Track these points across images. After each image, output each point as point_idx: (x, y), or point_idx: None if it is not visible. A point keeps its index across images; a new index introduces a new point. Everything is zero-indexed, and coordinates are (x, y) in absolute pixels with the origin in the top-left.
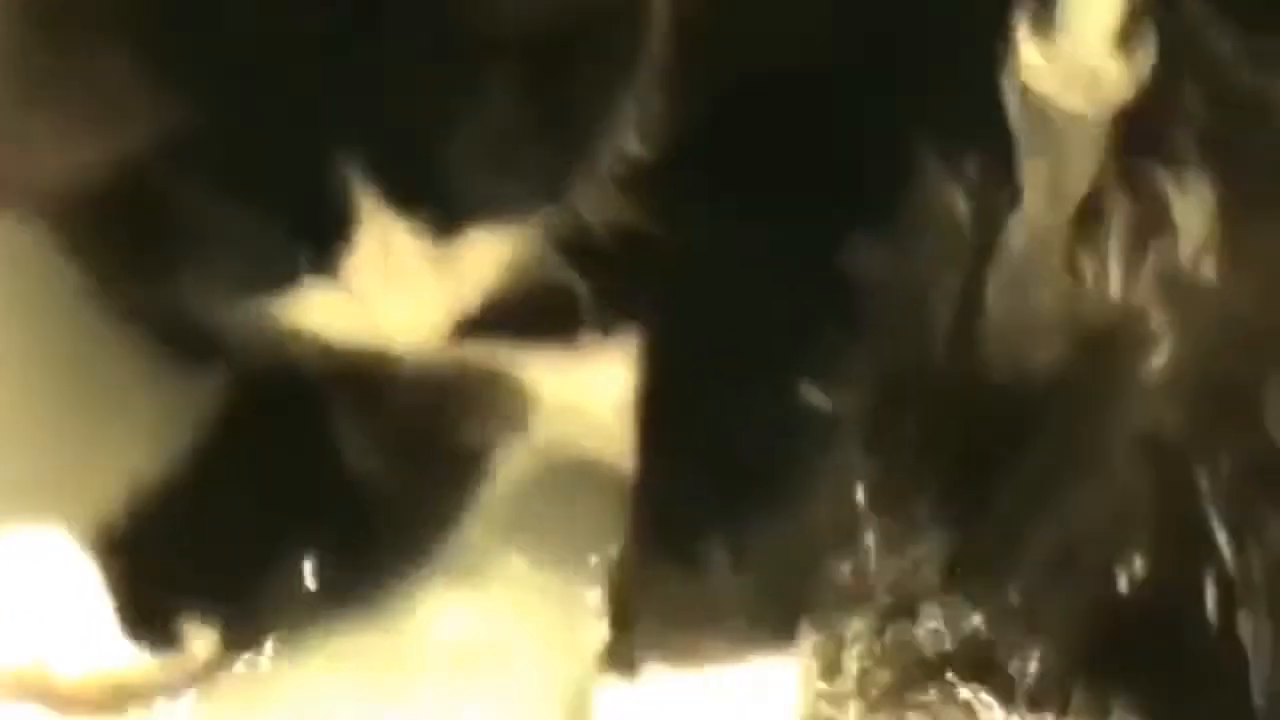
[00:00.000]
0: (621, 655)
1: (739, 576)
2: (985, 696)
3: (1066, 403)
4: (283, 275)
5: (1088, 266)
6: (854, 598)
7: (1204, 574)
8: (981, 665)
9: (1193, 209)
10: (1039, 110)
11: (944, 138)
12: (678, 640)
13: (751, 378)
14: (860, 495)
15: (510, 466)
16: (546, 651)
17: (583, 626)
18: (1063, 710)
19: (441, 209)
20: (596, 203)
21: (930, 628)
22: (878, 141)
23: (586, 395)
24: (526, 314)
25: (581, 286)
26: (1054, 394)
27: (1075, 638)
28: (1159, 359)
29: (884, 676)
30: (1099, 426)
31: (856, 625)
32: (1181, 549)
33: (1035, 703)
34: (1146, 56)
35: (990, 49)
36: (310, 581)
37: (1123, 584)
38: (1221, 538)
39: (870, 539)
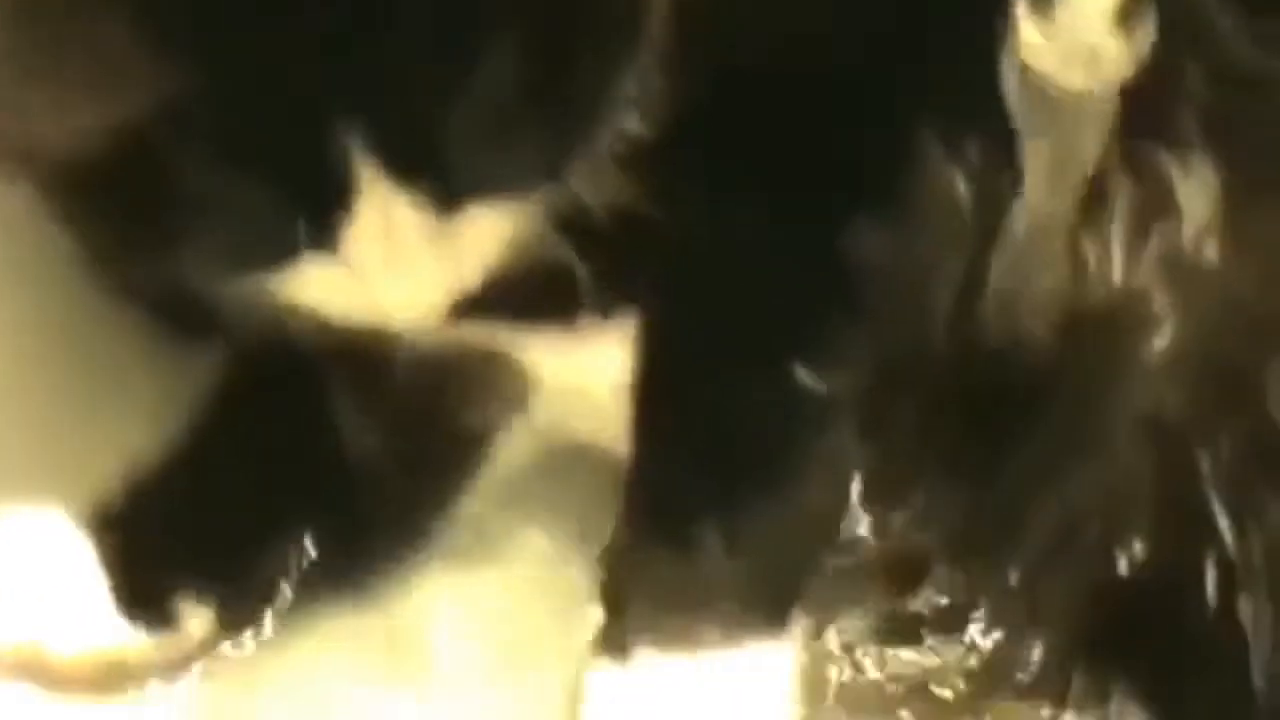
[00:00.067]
0: (613, 639)
1: (732, 561)
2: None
3: (1067, 385)
4: (281, 247)
5: (1090, 249)
6: (850, 582)
7: (1204, 557)
8: (980, 648)
9: (1196, 192)
10: (1039, 90)
11: (945, 120)
12: (670, 625)
13: (748, 361)
14: (858, 480)
15: (510, 448)
16: (544, 635)
17: (580, 609)
18: (1062, 697)
19: (441, 182)
20: (596, 182)
21: (929, 609)
22: (878, 124)
23: (586, 377)
24: (526, 294)
25: (581, 267)
26: (1055, 376)
27: (1075, 621)
28: (1161, 341)
29: (875, 664)
30: (1100, 409)
31: (850, 609)
32: (1182, 532)
33: (1034, 689)
34: (1146, 34)
35: (991, 29)
36: (307, 561)
37: (1123, 567)
38: (1222, 521)
39: (867, 523)
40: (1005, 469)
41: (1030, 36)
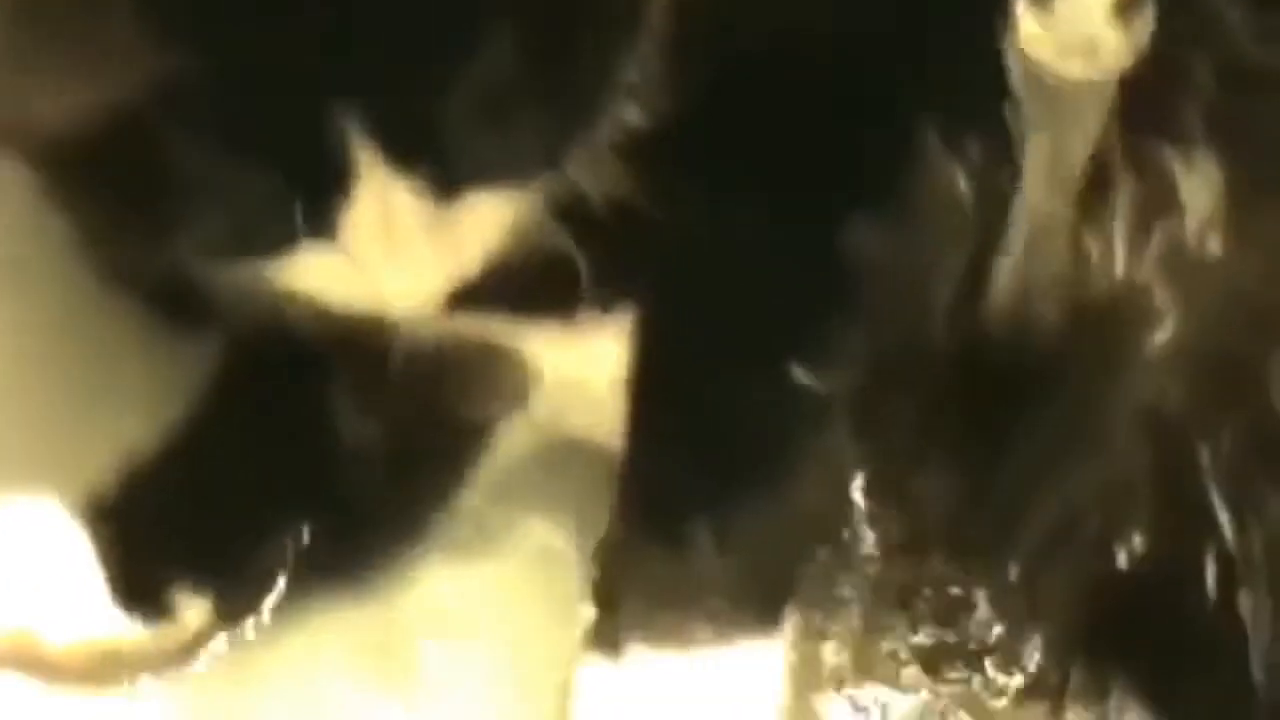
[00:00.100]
0: (605, 635)
1: (724, 559)
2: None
3: (1068, 379)
4: (279, 233)
5: (1092, 244)
6: (848, 579)
7: (1204, 551)
8: (980, 644)
9: (1199, 187)
10: (1039, 79)
11: (945, 117)
12: (662, 622)
13: (744, 359)
14: (856, 477)
15: (510, 442)
16: (538, 630)
17: (574, 605)
18: (1061, 692)
19: (440, 169)
20: (594, 173)
21: (928, 606)
22: (878, 121)
23: (586, 371)
24: (525, 284)
25: (581, 257)
26: (1056, 370)
27: (1074, 616)
28: (1162, 335)
29: (868, 658)
30: (1101, 403)
31: (847, 607)
32: (1182, 526)
33: (1034, 684)
34: (1145, 24)
35: (991, 26)
36: (304, 553)
37: (1122, 561)
38: (1222, 514)
39: (866, 520)
40: (1005, 463)
41: (1029, 27)
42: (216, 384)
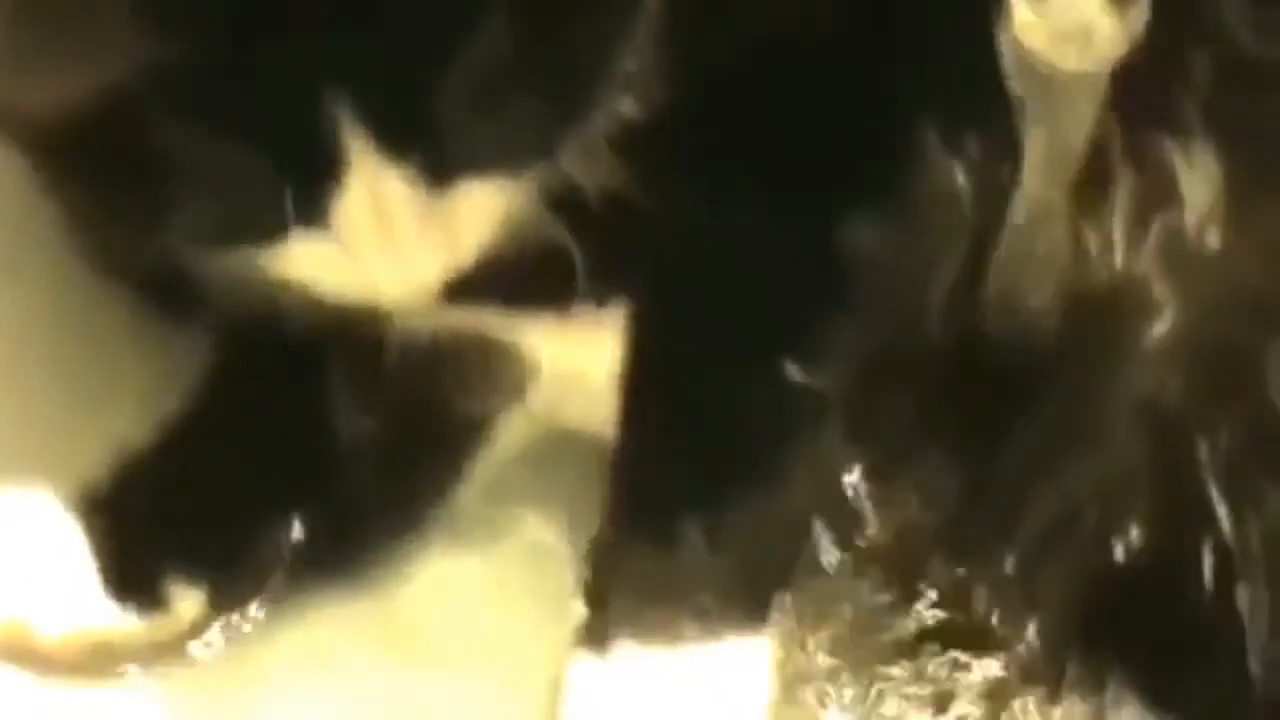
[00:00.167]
0: (595, 631)
1: (713, 557)
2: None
3: (1067, 372)
4: (270, 220)
5: (1091, 237)
6: (843, 573)
7: (1202, 544)
8: (975, 640)
9: (1199, 180)
10: (1034, 69)
11: (944, 114)
12: (651, 618)
13: (738, 355)
14: (851, 473)
15: (508, 435)
16: (533, 624)
17: (566, 600)
18: (1057, 686)
19: (432, 156)
20: (589, 165)
21: (923, 601)
22: (877, 115)
23: (584, 364)
24: (520, 276)
25: (576, 249)
26: (1055, 364)
27: (1071, 609)
28: (1160, 327)
29: (859, 653)
30: (1099, 396)
31: (838, 602)
32: (1180, 519)
33: (1031, 676)
34: (1140, 13)
35: (988, 18)
36: (298, 545)
37: (1120, 554)
38: (1220, 508)
39: (860, 515)
40: (1003, 456)
41: (1024, 15)
42: (211, 375)
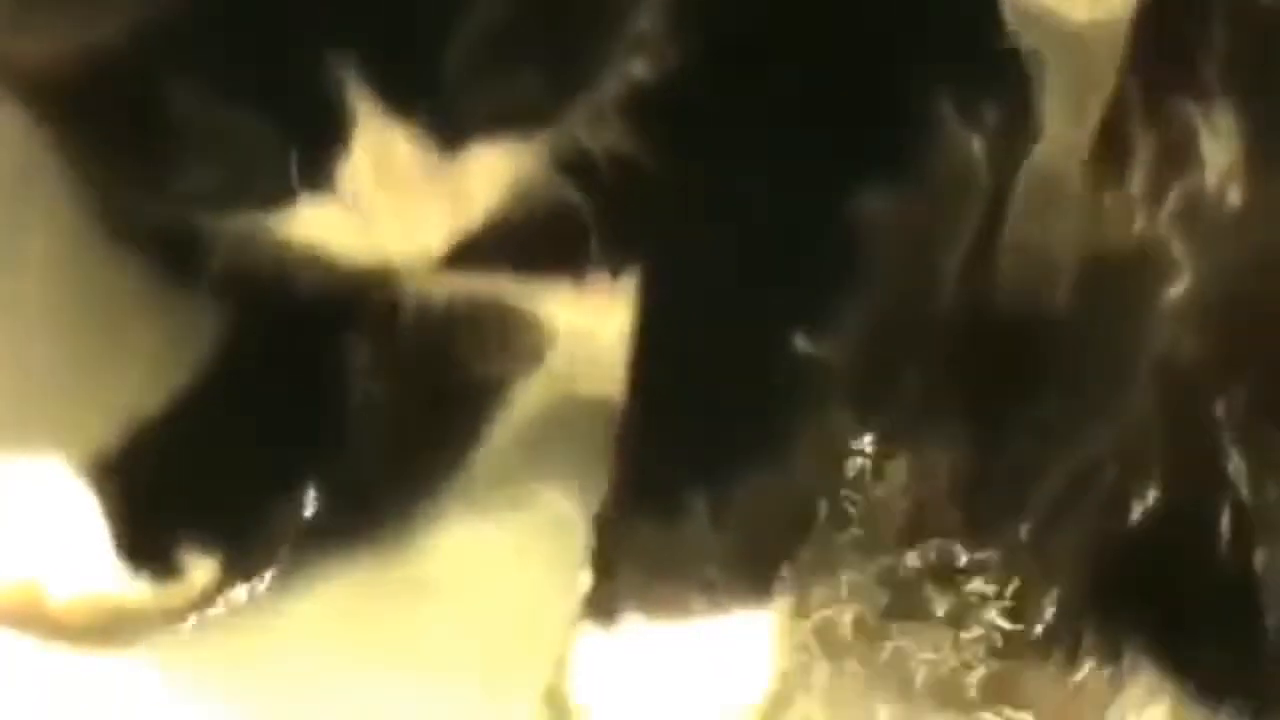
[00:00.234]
0: (601, 603)
1: (719, 530)
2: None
3: (1084, 334)
4: (276, 182)
5: (1111, 199)
6: (850, 544)
7: (1219, 505)
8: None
9: (1218, 140)
10: (1044, 21)
11: (960, 82)
12: (657, 591)
13: (745, 324)
14: (861, 442)
15: (526, 403)
16: (545, 593)
17: (577, 569)
18: (1073, 654)
19: (439, 118)
20: (599, 128)
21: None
22: (891, 84)
23: (602, 333)
24: (532, 243)
25: (587, 212)
26: (1071, 325)
27: (1087, 574)
28: (1178, 288)
29: (867, 624)
30: (1115, 358)
31: (849, 572)
32: (1196, 480)
33: (1047, 642)
34: None
35: None
36: (313, 512)
37: (1136, 516)
38: (1237, 468)
39: (871, 485)
40: (1019, 419)
41: None
42: (224, 340)
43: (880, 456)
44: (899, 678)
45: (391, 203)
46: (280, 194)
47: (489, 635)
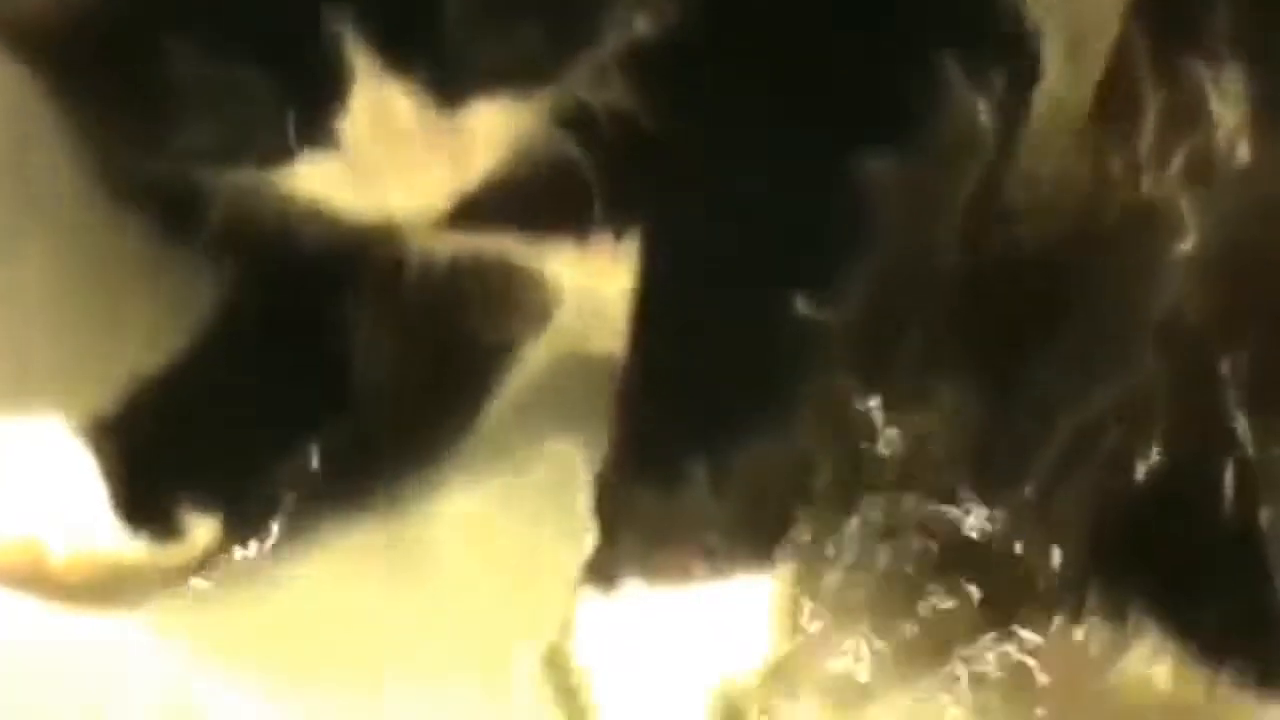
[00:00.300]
0: (602, 569)
1: (719, 496)
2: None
3: (1090, 292)
4: (275, 139)
5: (1117, 157)
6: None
7: (1224, 463)
8: (994, 568)
9: (1227, 97)
10: None
11: (966, 46)
12: (658, 557)
13: (745, 286)
14: (867, 405)
15: (530, 362)
16: (551, 554)
17: (580, 532)
18: (1078, 612)
19: (438, 73)
20: (599, 84)
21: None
22: (895, 46)
23: (606, 290)
24: (533, 201)
25: (589, 168)
26: (1076, 285)
27: (1091, 534)
28: (1185, 245)
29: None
30: (1120, 316)
31: (852, 537)
32: (1201, 438)
33: (1051, 603)
34: None
35: None
36: (315, 474)
37: (1140, 475)
38: (1242, 426)
39: (876, 448)
40: (1024, 380)
41: None
42: (225, 298)
43: (884, 420)
44: (897, 642)
45: (391, 159)
46: (279, 150)
47: (491, 598)
